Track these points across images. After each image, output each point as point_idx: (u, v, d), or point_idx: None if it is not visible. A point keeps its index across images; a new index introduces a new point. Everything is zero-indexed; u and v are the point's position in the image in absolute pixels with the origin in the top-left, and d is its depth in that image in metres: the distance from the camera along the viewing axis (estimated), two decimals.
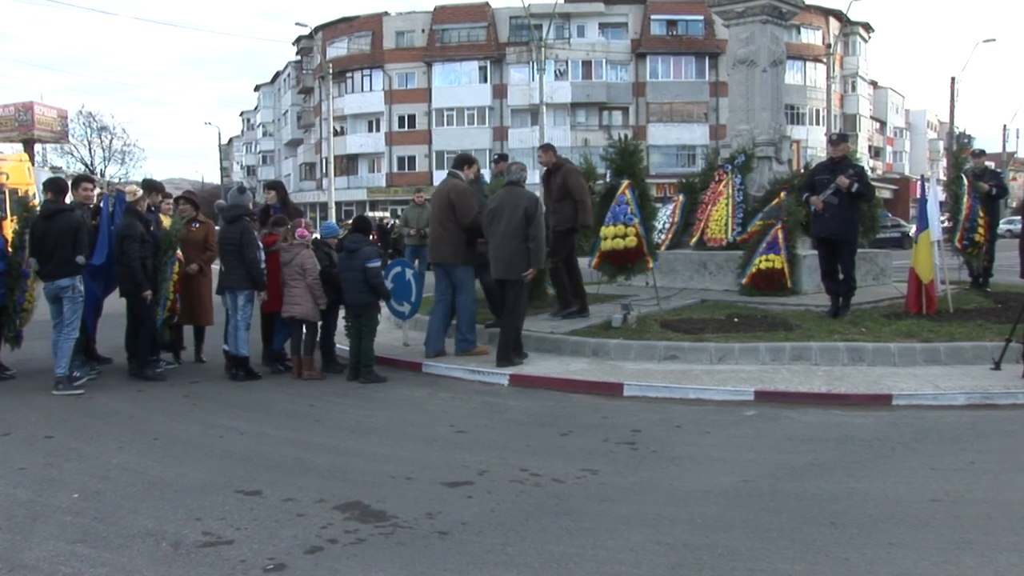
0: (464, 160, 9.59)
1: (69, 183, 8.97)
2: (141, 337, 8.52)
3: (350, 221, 10.61)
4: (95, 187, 9.24)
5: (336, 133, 51.53)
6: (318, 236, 9.53)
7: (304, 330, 8.65)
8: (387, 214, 38.95)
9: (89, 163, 57.98)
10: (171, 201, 9.55)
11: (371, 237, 9.12)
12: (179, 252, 8.85)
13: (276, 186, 10.24)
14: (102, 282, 8.62)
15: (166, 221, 8.93)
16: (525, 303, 8.86)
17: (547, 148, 10.07)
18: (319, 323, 8.79)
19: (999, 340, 7.86)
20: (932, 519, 4.35)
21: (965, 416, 6.51)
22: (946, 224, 11.66)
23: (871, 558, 3.88)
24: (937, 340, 8.26)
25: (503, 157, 13.74)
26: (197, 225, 9.30)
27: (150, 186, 9.26)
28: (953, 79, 44.77)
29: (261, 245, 8.61)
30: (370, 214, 41.48)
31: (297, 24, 44.87)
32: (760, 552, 3.97)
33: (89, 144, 58.84)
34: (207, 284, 9.38)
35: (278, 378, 8.59)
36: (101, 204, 8.70)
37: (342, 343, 9.08)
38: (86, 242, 7.97)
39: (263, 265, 8.52)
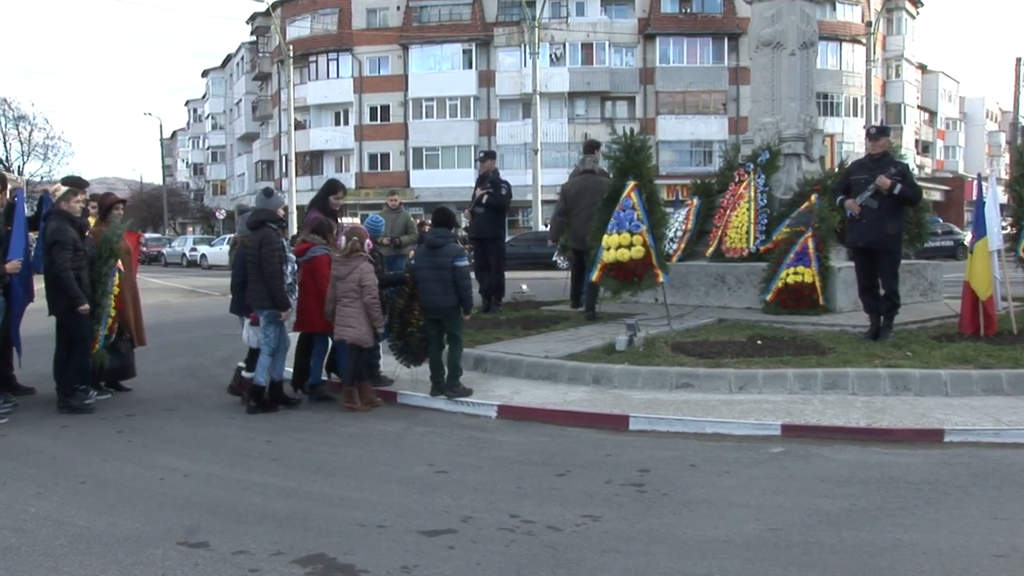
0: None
1: None
2: (73, 361, 8.45)
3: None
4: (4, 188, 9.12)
5: (297, 126, 51.63)
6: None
7: (357, 354, 8.54)
8: (356, 220, 38.84)
9: (4, 158, 57.84)
10: (92, 203, 9.56)
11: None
12: (119, 262, 8.83)
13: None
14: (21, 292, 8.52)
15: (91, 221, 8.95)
16: None
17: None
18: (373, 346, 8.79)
19: None
20: None
21: None
22: (1008, 231, 11.71)
23: None
24: (998, 366, 8.29)
25: (490, 155, 13.86)
26: None
27: (72, 183, 9.19)
28: (1019, 60, 44.27)
29: (293, 256, 8.55)
30: (347, 220, 41.50)
31: None
32: None
33: (3, 136, 58.78)
34: (135, 301, 9.42)
35: (229, 411, 8.55)
36: (16, 200, 8.57)
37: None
38: None
39: (291, 280, 8.41)
